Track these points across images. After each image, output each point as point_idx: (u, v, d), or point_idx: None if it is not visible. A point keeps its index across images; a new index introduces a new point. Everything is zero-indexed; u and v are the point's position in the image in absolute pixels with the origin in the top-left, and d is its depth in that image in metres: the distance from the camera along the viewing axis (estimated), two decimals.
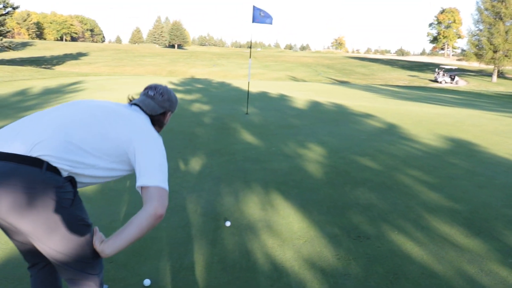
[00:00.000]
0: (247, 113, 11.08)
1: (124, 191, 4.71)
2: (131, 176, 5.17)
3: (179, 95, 14.74)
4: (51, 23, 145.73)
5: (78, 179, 1.75)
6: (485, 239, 3.73)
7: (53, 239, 1.65)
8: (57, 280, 2.07)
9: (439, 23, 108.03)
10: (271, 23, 11.17)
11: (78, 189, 1.77)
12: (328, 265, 3.20)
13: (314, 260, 3.27)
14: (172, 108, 2.20)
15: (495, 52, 52.44)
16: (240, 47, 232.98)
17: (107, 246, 1.73)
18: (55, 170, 1.65)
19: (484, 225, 4.06)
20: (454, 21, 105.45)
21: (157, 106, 2.11)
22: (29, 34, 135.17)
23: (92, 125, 1.81)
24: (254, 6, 10.89)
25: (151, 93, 2.13)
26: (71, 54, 66.09)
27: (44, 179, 1.61)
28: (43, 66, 47.97)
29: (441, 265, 3.22)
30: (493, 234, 3.84)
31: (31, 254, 1.93)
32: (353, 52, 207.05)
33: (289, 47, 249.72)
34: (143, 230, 1.70)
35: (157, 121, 2.12)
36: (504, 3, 51.33)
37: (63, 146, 1.70)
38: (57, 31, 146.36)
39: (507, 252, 3.47)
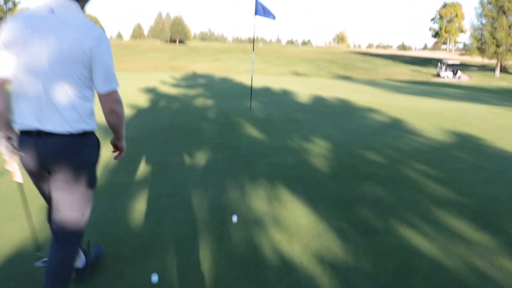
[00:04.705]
0: (250, 108, 11.04)
1: (129, 186, 4.67)
2: (137, 171, 5.16)
3: (182, 91, 14.70)
4: None
5: None
6: (494, 233, 3.69)
7: None
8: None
9: (441, 17, 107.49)
10: (274, 19, 11.14)
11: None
12: (336, 260, 3.17)
13: (323, 255, 3.24)
14: None
15: (498, 46, 52.22)
16: (241, 42, 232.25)
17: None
18: None
19: (493, 218, 4.02)
20: (456, 15, 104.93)
21: None
22: None
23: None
24: (256, 0, 10.82)
25: None
26: None
27: None
28: None
29: (451, 260, 3.19)
30: (503, 228, 3.80)
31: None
32: (354, 47, 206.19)
33: (291, 42, 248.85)
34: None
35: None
36: None
37: None
38: None
39: None
